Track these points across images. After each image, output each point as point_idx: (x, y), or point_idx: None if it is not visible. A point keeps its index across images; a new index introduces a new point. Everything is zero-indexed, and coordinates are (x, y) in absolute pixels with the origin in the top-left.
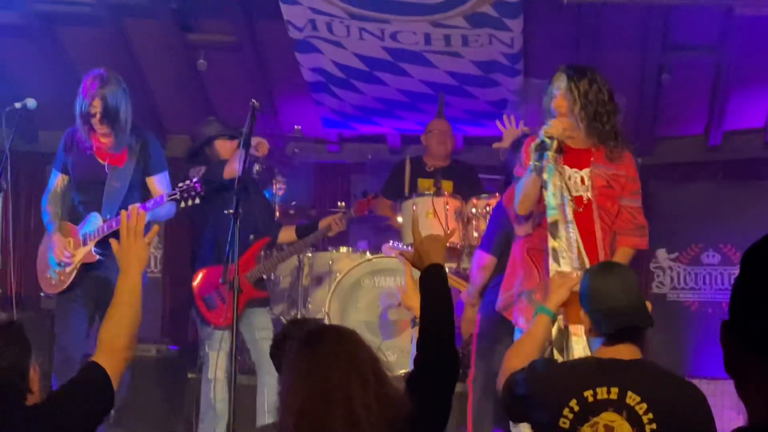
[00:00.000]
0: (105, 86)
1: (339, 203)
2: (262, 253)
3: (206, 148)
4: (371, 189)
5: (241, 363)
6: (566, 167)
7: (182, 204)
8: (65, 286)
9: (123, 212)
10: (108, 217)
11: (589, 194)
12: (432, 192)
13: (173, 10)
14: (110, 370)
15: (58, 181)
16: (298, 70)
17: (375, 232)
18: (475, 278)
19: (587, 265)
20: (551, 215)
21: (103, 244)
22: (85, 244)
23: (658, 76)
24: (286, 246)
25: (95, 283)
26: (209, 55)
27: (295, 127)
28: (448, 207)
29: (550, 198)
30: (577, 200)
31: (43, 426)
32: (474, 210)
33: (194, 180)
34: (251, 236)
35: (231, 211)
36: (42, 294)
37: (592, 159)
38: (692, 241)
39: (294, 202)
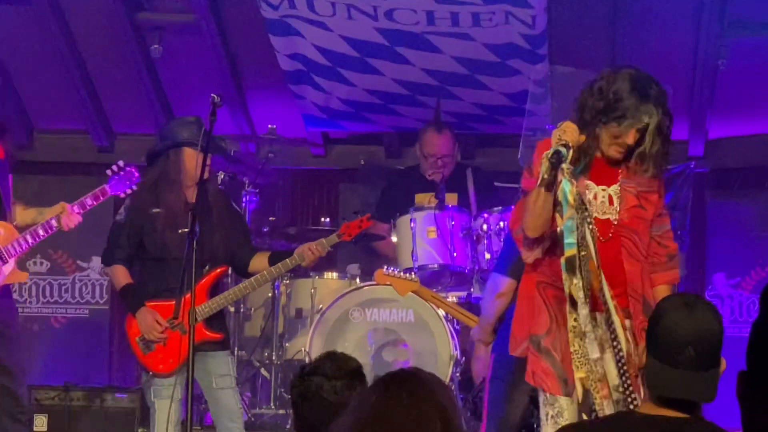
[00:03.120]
0: None
1: (323, 219)
2: (228, 281)
3: (171, 153)
4: (365, 200)
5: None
6: (592, 183)
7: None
8: None
9: None
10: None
11: (616, 216)
12: (433, 205)
13: None
14: None
15: None
16: (273, 57)
17: (368, 254)
18: (489, 308)
19: (613, 314)
20: (568, 248)
21: None
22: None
23: (714, 61)
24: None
25: None
26: (164, 39)
27: (270, 126)
28: (453, 223)
29: (568, 225)
30: (602, 226)
31: None
32: (485, 226)
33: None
34: (206, 267)
35: (185, 230)
36: None
37: (620, 171)
38: (757, 263)
39: (273, 218)
